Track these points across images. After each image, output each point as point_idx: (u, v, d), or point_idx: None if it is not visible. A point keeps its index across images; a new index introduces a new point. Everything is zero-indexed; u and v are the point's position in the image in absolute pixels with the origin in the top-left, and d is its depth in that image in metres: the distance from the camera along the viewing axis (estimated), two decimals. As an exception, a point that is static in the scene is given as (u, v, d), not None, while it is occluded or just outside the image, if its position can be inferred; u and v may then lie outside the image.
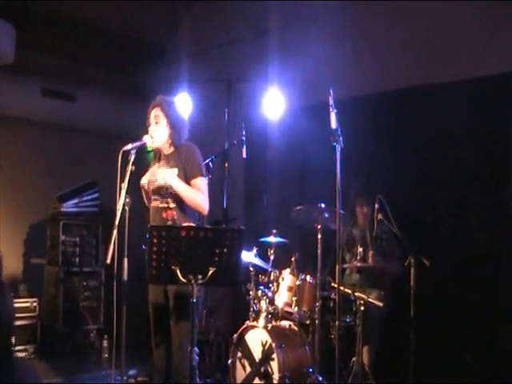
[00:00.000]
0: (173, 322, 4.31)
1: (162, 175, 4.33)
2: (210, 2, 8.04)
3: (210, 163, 5.44)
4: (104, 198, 7.59)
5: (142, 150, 4.34)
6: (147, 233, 3.85)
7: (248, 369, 5.19)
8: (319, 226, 5.05)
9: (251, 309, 5.41)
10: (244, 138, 5.96)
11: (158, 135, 4.43)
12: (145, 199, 4.59)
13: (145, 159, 4.60)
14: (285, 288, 5.28)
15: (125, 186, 3.99)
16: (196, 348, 3.90)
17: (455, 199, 5.64)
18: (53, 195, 7.57)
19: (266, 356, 5.03)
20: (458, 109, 5.49)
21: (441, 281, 5.43)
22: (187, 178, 4.39)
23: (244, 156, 5.98)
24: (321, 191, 5.27)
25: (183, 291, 4.12)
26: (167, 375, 4.41)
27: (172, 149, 4.53)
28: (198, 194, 4.35)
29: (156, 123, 4.45)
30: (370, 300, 4.92)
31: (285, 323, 5.36)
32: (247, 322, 5.34)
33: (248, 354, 5.20)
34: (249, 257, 5.44)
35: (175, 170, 4.39)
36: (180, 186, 4.31)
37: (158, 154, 4.60)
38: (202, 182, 4.41)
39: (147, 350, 4.59)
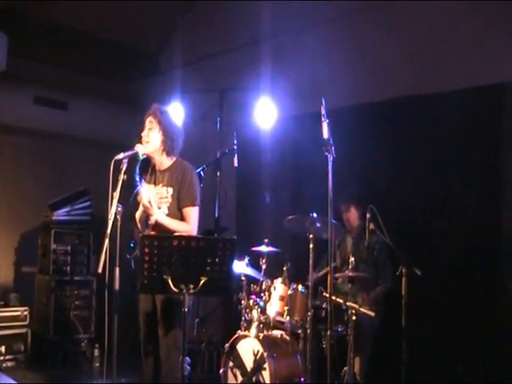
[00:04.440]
0: (161, 331, 4.30)
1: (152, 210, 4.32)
2: (203, 11, 8.07)
3: (202, 172, 5.43)
4: (96, 207, 7.55)
5: (134, 160, 4.33)
6: (132, 242, 3.86)
7: (240, 378, 5.18)
8: (311, 236, 5.06)
9: (243, 318, 5.40)
10: (235, 147, 5.96)
11: (150, 141, 4.42)
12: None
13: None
14: (276, 297, 5.27)
15: (116, 194, 3.98)
16: (188, 357, 3.89)
17: (448, 209, 5.66)
18: (44, 203, 7.55)
19: (258, 365, 5.03)
20: (451, 119, 5.51)
21: (432, 291, 5.44)
22: (179, 204, 4.40)
23: (235, 165, 5.98)
24: (313, 201, 5.27)
25: (170, 300, 4.12)
26: None
27: (167, 164, 4.50)
28: (183, 226, 4.34)
29: (149, 129, 4.45)
30: (361, 310, 4.92)
31: (276, 333, 5.35)
32: (239, 331, 5.33)
33: (240, 364, 5.19)
34: (241, 267, 5.44)
35: (170, 190, 4.39)
36: (166, 222, 4.32)
37: (152, 169, 4.58)
38: (192, 213, 4.39)
39: (138, 359, 4.57)
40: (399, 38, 6.11)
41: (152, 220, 4.32)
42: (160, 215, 4.31)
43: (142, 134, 4.46)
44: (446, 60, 5.79)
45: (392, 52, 6.13)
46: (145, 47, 8.54)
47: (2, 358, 6.79)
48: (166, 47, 8.65)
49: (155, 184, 4.50)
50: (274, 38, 7.07)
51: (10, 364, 6.84)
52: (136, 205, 4.44)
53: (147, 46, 8.53)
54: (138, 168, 4.52)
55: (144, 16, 7.82)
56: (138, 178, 4.51)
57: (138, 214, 4.49)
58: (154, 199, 4.37)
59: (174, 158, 4.53)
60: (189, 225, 4.36)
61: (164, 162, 4.50)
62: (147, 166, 4.61)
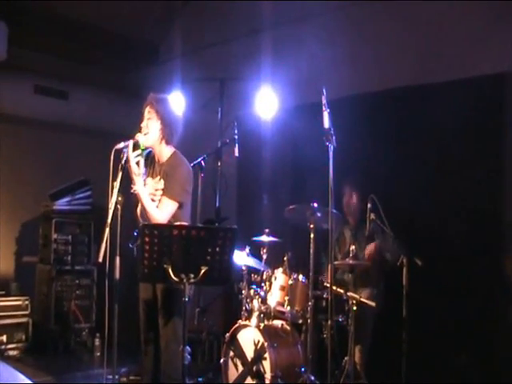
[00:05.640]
0: (161, 321, 4.30)
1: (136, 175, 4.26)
2: (203, 1, 8.03)
3: (203, 162, 5.42)
4: (96, 197, 7.56)
5: (134, 149, 4.30)
6: (136, 231, 3.85)
7: (240, 368, 5.18)
8: (312, 226, 5.05)
9: (243, 308, 5.40)
10: (236, 137, 5.94)
11: (149, 131, 4.39)
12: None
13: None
14: (277, 287, 5.27)
15: (117, 184, 3.98)
16: (188, 347, 3.89)
17: (448, 199, 5.65)
18: (45, 193, 7.55)
19: (259, 355, 5.03)
20: (452, 109, 5.50)
21: (433, 280, 5.44)
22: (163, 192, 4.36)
23: (236, 155, 5.96)
24: (313, 190, 5.27)
25: (171, 289, 4.12)
26: (154, 375, 4.40)
27: (166, 155, 4.46)
28: (156, 212, 4.25)
29: (148, 119, 4.43)
30: (362, 300, 4.92)
31: (277, 322, 5.35)
32: (239, 321, 5.33)
33: (240, 354, 5.20)
34: (241, 257, 5.44)
35: (162, 182, 4.36)
36: (143, 195, 4.25)
37: (151, 162, 4.56)
38: (167, 205, 4.29)
39: (139, 349, 4.57)
40: (401, 27, 6.09)
41: (133, 188, 4.26)
42: (141, 184, 4.25)
43: (142, 125, 4.43)
44: (448, 49, 5.77)
45: (393, 42, 6.12)
46: (145, 37, 8.51)
47: (3, 347, 6.81)
48: (165, 37, 8.62)
49: (153, 177, 4.47)
50: (275, 28, 7.04)
51: (11, 353, 6.86)
52: (136, 200, 4.41)
53: (147, 35, 8.51)
54: (143, 161, 4.46)
55: (144, 6, 7.80)
56: (143, 172, 4.44)
57: (138, 209, 4.46)
58: (151, 191, 4.35)
59: (173, 150, 4.50)
60: (162, 214, 4.27)
61: (164, 152, 4.47)
62: (149, 159, 4.59)
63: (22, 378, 3.36)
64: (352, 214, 5.70)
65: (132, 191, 4.27)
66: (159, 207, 4.30)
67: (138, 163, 4.27)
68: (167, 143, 4.45)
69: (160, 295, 4.29)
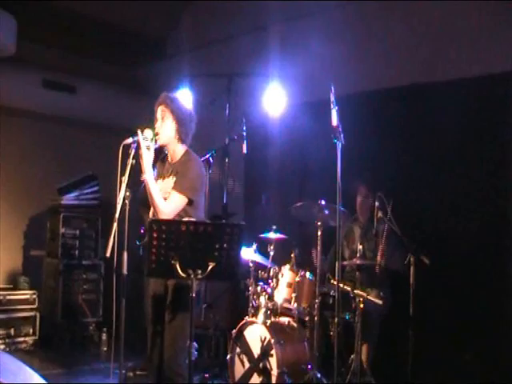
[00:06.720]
0: (167, 317, 4.29)
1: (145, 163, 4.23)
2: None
3: (211, 158, 5.42)
4: (104, 191, 7.59)
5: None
6: (143, 228, 3.85)
7: (247, 364, 5.19)
8: (319, 223, 5.05)
9: (250, 304, 5.41)
10: (244, 134, 5.94)
11: (163, 132, 4.37)
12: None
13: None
14: (284, 284, 5.28)
15: (125, 179, 3.97)
16: (195, 343, 3.89)
17: (456, 198, 5.63)
18: (53, 187, 7.57)
19: (265, 352, 5.03)
20: (460, 107, 5.48)
21: (440, 279, 5.43)
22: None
23: (244, 151, 5.96)
24: (321, 188, 5.26)
25: (182, 285, 4.11)
26: (160, 370, 4.39)
27: (179, 154, 4.44)
28: (162, 204, 4.19)
29: (162, 120, 4.41)
30: (369, 298, 4.92)
31: (284, 319, 5.35)
32: (246, 317, 5.34)
33: (247, 350, 5.21)
34: (249, 253, 5.44)
35: (174, 179, 4.35)
36: (151, 184, 4.19)
37: (162, 161, 4.54)
38: (176, 198, 4.23)
39: (146, 343, 4.58)
40: (409, 24, 6.08)
41: (142, 176, 4.23)
42: (150, 172, 4.20)
43: (156, 126, 4.40)
44: (455, 48, 5.75)
45: (401, 38, 6.10)
46: (152, 32, 8.51)
47: (10, 340, 6.84)
48: (173, 32, 8.61)
49: (164, 177, 4.45)
50: (283, 23, 7.03)
51: (18, 347, 6.89)
52: (144, 197, 4.38)
53: (155, 30, 8.51)
54: (153, 149, 4.41)
55: (151, 1, 7.79)
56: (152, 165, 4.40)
57: (151, 212, 4.42)
58: (163, 190, 4.34)
59: (186, 148, 4.48)
60: (168, 206, 4.22)
61: (177, 150, 4.45)
62: (160, 158, 4.57)
63: (36, 377, 3.33)
64: (364, 212, 5.69)
65: (141, 179, 4.25)
66: (167, 200, 4.28)
67: (148, 148, 4.23)
68: (182, 142, 4.44)
69: (171, 290, 4.28)
